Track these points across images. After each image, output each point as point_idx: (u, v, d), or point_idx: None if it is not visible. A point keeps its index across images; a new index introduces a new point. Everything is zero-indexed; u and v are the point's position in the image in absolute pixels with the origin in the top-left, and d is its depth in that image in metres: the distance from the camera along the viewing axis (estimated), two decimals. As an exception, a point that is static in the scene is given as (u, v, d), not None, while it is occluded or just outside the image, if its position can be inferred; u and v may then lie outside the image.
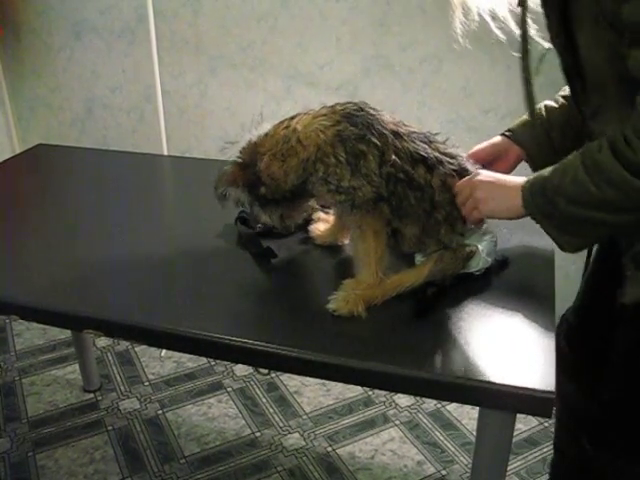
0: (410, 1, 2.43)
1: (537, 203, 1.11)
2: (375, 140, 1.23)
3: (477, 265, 1.30)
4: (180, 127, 2.95)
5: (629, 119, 0.97)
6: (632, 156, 0.95)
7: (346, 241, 1.46)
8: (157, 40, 2.75)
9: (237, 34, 2.71)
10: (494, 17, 1.22)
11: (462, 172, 1.30)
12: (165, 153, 2.90)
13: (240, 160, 1.34)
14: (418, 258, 1.31)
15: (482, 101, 2.52)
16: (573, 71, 1.15)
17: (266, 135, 1.33)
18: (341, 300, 1.20)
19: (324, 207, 1.50)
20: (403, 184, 1.24)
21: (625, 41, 0.96)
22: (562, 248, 1.14)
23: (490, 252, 1.32)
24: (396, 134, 1.25)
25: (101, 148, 2.58)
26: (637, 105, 0.96)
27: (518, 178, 1.18)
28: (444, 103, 2.55)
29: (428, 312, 1.20)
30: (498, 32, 1.24)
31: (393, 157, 1.23)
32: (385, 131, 1.24)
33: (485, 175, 1.25)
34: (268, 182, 1.30)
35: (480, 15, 1.23)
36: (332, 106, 1.29)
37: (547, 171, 1.11)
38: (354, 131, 1.23)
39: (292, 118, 1.32)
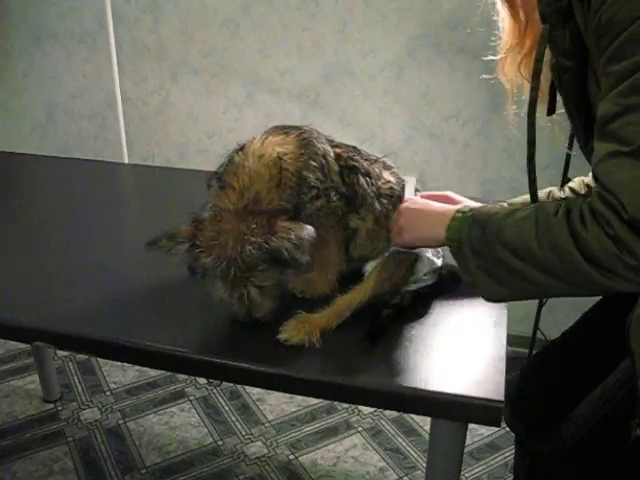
0: (370, 8, 2.44)
1: (473, 235, 1.07)
2: (322, 139, 1.28)
3: (424, 268, 1.29)
4: (142, 134, 2.93)
5: (591, 196, 0.96)
6: (583, 233, 0.94)
7: None
8: (117, 46, 2.74)
9: (198, 40, 2.70)
10: None
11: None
12: (126, 160, 2.88)
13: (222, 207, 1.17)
14: (367, 268, 1.31)
15: (443, 108, 2.53)
16: None
17: (233, 189, 1.18)
18: (292, 329, 1.15)
19: None
20: (355, 171, 1.28)
21: (595, 132, 0.96)
22: (483, 293, 1.10)
23: (436, 253, 1.32)
24: (330, 140, 1.31)
25: (62, 155, 2.55)
26: (593, 192, 0.96)
27: (448, 207, 1.17)
28: (405, 110, 2.56)
29: (382, 335, 1.18)
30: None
31: (338, 150, 1.28)
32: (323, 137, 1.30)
33: (412, 202, 1.26)
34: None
35: None
36: (267, 131, 1.27)
37: (494, 210, 1.09)
38: (309, 133, 1.26)
39: (241, 149, 1.23)
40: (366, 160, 1.33)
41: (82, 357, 2.82)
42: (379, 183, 1.32)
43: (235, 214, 1.14)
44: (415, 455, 2.27)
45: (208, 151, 2.89)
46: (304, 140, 1.24)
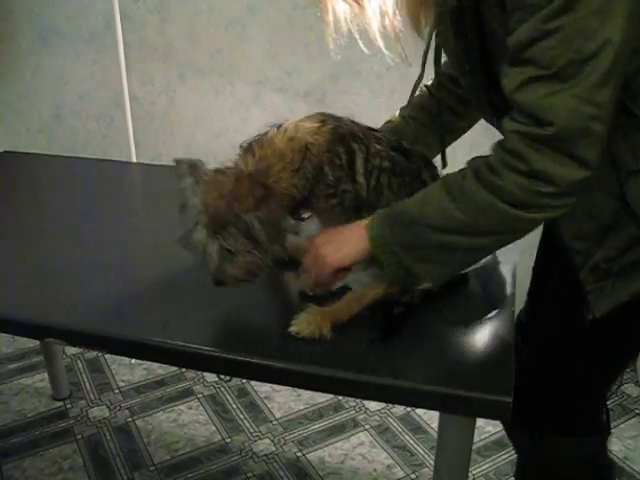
0: (377, 8, 2.44)
1: (396, 233, 1.10)
2: (361, 135, 1.23)
3: None
4: (149, 133, 2.94)
5: (493, 150, 1.02)
6: (499, 182, 0.99)
7: None
8: (125, 46, 2.75)
9: (206, 41, 2.71)
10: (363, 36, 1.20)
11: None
12: (134, 160, 2.89)
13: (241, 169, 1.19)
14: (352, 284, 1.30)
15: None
16: (489, 106, 1.18)
17: (253, 154, 1.19)
18: (303, 322, 1.16)
19: None
20: (387, 173, 1.24)
21: (507, 60, 0.99)
22: (421, 279, 1.15)
23: None
24: (369, 129, 1.27)
25: (70, 155, 2.56)
26: (506, 132, 1.00)
27: (355, 223, 1.17)
28: (412, 109, 2.56)
29: (395, 333, 1.19)
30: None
31: (378, 147, 1.24)
32: (361, 126, 1.26)
33: (320, 234, 1.25)
34: (280, 196, 1.19)
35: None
36: (309, 116, 1.27)
37: (400, 204, 1.13)
38: (345, 129, 1.23)
39: (279, 127, 1.23)
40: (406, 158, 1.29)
41: (91, 355, 2.83)
42: (415, 185, 1.26)
43: (240, 175, 1.15)
44: (422, 452, 2.28)
45: (215, 151, 2.89)
46: (337, 135, 1.22)
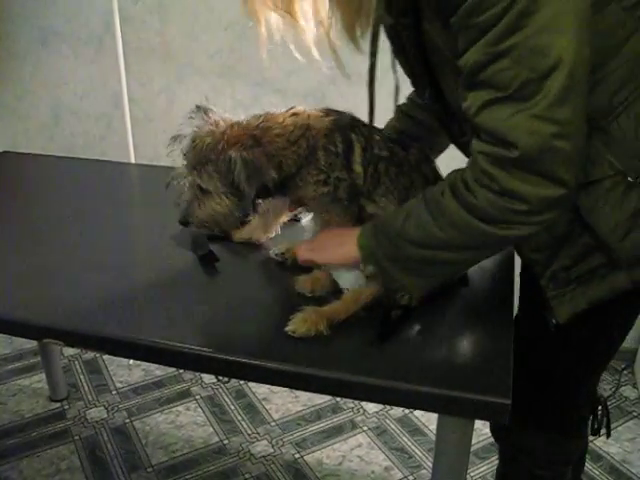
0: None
1: (382, 245, 1.13)
2: (362, 129, 1.27)
3: None
4: (148, 134, 2.94)
5: (468, 165, 1.03)
6: (473, 200, 1.00)
7: (263, 239, 1.51)
8: (124, 47, 2.75)
9: (204, 41, 2.71)
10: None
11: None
12: (132, 160, 2.89)
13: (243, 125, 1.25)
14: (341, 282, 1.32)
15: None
16: (446, 116, 1.21)
17: (259, 118, 1.26)
18: (299, 321, 1.17)
19: None
20: (385, 162, 1.27)
21: (462, 83, 0.99)
22: (409, 291, 1.19)
23: None
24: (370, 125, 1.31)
25: (69, 155, 2.56)
26: (474, 152, 1.00)
27: (357, 227, 1.20)
28: (410, 111, 2.56)
29: (392, 335, 1.19)
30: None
31: (377, 137, 1.27)
32: (362, 121, 1.30)
33: (320, 233, 1.31)
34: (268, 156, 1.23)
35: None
36: (315, 109, 1.31)
37: (388, 215, 1.16)
38: (345, 121, 1.27)
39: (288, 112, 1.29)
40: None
41: (88, 356, 2.83)
42: (414, 175, 1.29)
43: (237, 123, 1.24)
44: (420, 454, 2.28)
45: (214, 152, 2.90)
46: (337, 125, 1.26)
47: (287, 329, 1.16)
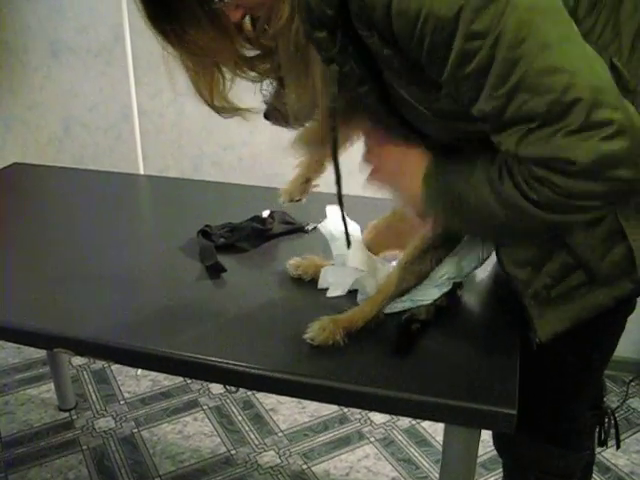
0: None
1: (444, 200, 1.08)
2: None
3: (450, 269, 1.28)
4: (157, 146, 2.97)
5: (514, 171, 0.95)
6: (533, 195, 0.93)
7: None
8: (134, 59, 2.77)
9: (213, 54, 2.73)
10: None
11: None
12: (142, 172, 2.91)
13: None
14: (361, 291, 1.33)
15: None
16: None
17: None
18: (317, 329, 1.18)
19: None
20: None
21: (489, 129, 0.95)
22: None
23: (472, 259, 1.31)
24: None
25: (78, 167, 2.58)
26: (530, 181, 0.94)
27: (415, 157, 1.14)
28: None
29: (410, 348, 1.20)
30: None
31: None
32: None
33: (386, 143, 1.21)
34: None
35: None
36: None
37: (452, 171, 1.08)
38: None
39: None
40: None
41: (97, 366, 2.84)
42: None
43: None
44: (427, 465, 2.28)
45: (222, 163, 2.92)
46: None
47: (306, 336, 1.18)
